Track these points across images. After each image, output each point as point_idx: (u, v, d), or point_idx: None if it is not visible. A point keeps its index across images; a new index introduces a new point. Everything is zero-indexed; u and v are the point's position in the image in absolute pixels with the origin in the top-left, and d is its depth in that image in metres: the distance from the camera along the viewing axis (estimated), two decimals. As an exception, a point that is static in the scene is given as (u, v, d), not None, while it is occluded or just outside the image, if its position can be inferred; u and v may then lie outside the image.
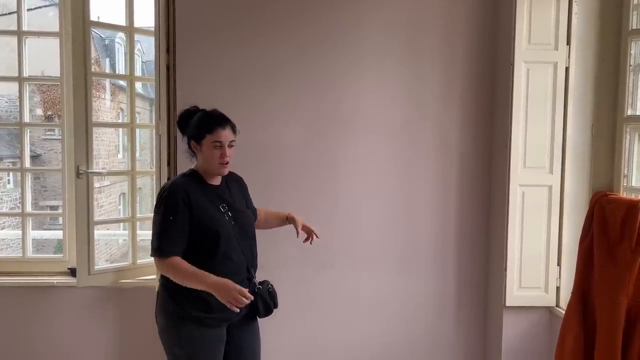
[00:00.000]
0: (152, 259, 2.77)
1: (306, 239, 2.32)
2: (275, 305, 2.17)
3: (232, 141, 2.06)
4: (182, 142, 2.70)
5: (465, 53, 2.75)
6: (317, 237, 2.31)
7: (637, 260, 2.03)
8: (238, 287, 1.91)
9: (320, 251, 2.81)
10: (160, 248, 1.98)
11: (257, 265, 2.19)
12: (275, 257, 2.73)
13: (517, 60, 2.50)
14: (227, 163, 2.05)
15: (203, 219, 2.01)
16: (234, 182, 2.22)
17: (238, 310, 1.92)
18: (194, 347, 2.04)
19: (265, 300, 2.12)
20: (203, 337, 2.05)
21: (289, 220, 2.32)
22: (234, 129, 2.08)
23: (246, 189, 2.30)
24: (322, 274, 2.82)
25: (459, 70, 2.76)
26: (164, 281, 2.08)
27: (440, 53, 2.75)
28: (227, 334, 2.12)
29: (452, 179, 2.81)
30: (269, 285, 2.17)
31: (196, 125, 2.05)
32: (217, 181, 2.12)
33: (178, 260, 1.97)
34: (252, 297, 1.95)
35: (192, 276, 1.95)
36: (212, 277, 1.93)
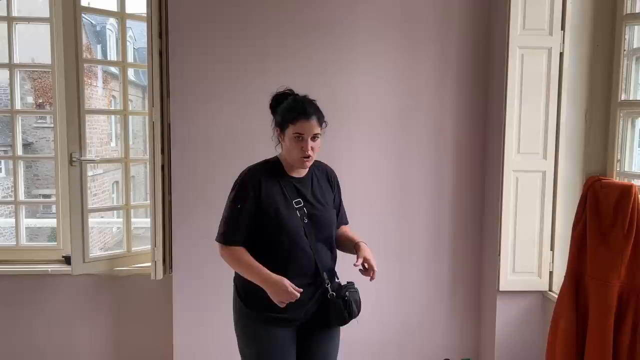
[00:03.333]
0: (149, 246, 2.80)
1: (364, 272, 1.95)
2: (351, 315, 1.94)
3: (316, 134, 1.88)
4: (175, 129, 2.71)
5: (459, 38, 2.74)
6: (371, 277, 1.94)
7: (629, 244, 2.06)
8: (291, 289, 1.80)
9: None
10: (225, 234, 1.90)
11: (333, 269, 1.99)
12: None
13: (512, 45, 2.49)
14: (308, 157, 1.88)
15: (269, 212, 1.87)
16: (321, 175, 2.04)
17: (283, 306, 1.84)
18: (259, 346, 1.93)
19: (337, 309, 1.91)
20: (269, 337, 1.92)
21: (355, 248, 2.00)
22: (320, 121, 1.90)
23: (335, 184, 2.09)
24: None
25: (453, 55, 2.75)
26: (235, 275, 1.99)
27: (434, 39, 2.74)
28: (300, 335, 1.98)
29: (447, 165, 2.82)
30: (346, 293, 1.93)
31: (281, 112, 1.92)
32: (299, 173, 1.96)
33: (239, 250, 1.89)
34: (298, 295, 1.80)
35: (248, 268, 1.87)
36: (267, 273, 1.83)
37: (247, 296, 1.92)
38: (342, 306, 1.91)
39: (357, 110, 2.76)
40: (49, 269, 2.87)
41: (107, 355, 2.97)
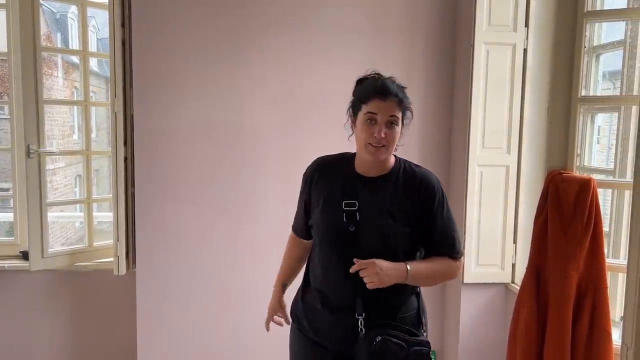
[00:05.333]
0: (110, 241, 2.74)
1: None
2: None
3: (392, 116, 1.52)
4: (138, 121, 2.64)
5: (426, 34, 2.76)
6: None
7: (588, 236, 2.12)
8: (270, 315, 1.84)
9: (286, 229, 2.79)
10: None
11: (376, 299, 1.54)
12: (244, 236, 2.72)
13: (477, 41, 2.52)
14: (382, 146, 1.52)
15: (313, 206, 1.67)
16: (407, 180, 1.61)
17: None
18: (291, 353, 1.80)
19: (360, 353, 1.52)
20: (297, 352, 1.75)
21: None
22: (403, 104, 1.54)
23: (425, 197, 1.59)
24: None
25: (419, 51, 2.76)
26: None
27: (401, 34, 2.74)
28: None
29: (413, 159, 2.79)
30: (378, 338, 1.50)
31: (357, 92, 1.61)
32: (371, 172, 1.61)
33: (291, 242, 1.86)
34: (268, 329, 1.84)
35: (281, 264, 1.89)
36: (276, 286, 1.85)
37: (296, 300, 1.79)
38: (365, 351, 1.50)
39: (325, 103, 2.75)
40: (6, 265, 2.77)
41: (67, 355, 2.89)
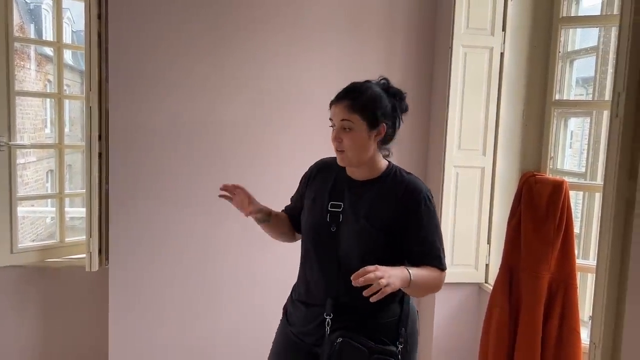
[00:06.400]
0: (83, 237, 2.69)
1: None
2: None
3: (343, 120, 1.51)
4: (114, 116, 2.59)
5: (405, 36, 2.78)
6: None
7: (559, 237, 2.17)
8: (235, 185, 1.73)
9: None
10: None
11: (349, 301, 1.52)
12: (220, 234, 2.70)
13: (455, 44, 2.55)
14: (341, 151, 1.55)
15: (304, 204, 1.72)
16: (392, 188, 1.58)
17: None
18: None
19: (323, 353, 1.53)
20: (276, 339, 1.76)
21: None
22: (355, 106, 1.51)
23: (408, 206, 1.55)
24: (265, 252, 2.79)
25: (399, 52, 2.78)
26: None
27: (381, 35, 2.76)
28: None
29: (390, 159, 2.85)
30: (339, 339, 1.50)
31: None
32: (359, 175, 1.62)
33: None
34: (220, 193, 1.70)
35: None
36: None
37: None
38: (326, 351, 1.50)
39: (305, 101, 2.75)
40: (-27, 261, 2.69)
41: (36, 354, 2.82)
